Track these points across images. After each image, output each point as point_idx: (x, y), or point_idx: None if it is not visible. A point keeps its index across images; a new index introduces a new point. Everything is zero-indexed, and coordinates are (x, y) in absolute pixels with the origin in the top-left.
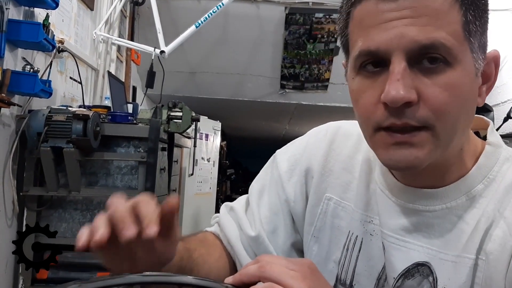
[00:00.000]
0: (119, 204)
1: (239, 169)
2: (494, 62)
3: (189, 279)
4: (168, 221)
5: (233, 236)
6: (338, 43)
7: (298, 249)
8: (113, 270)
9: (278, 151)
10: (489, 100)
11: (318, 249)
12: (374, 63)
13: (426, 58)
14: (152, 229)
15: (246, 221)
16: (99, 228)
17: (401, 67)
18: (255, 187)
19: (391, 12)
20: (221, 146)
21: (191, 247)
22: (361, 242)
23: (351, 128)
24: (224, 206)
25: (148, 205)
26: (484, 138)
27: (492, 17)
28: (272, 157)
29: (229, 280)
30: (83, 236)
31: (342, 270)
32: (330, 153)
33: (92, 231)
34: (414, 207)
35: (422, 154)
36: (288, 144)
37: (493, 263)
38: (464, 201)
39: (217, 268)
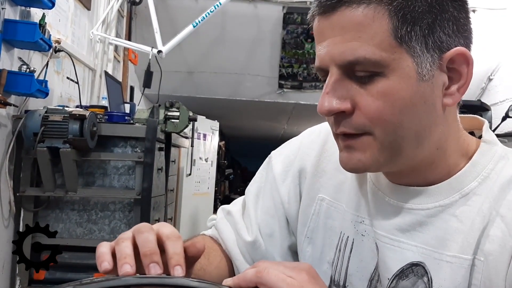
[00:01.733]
0: (147, 234)
1: (237, 169)
2: (463, 58)
3: (186, 281)
4: (192, 261)
5: (230, 241)
6: None
7: (295, 252)
8: None
9: (273, 152)
10: (487, 100)
11: (312, 250)
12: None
13: (357, 73)
14: (178, 271)
15: (243, 226)
16: (126, 259)
17: (330, 81)
18: (251, 190)
19: (327, 29)
20: (219, 146)
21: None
22: (352, 242)
23: None
24: (221, 210)
25: (176, 243)
26: (480, 137)
27: (490, 16)
28: (267, 159)
29: (227, 282)
30: (106, 261)
31: (336, 271)
32: (323, 154)
33: (120, 257)
34: (407, 206)
35: (365, 158)
36: (283, 145)
37: (493, 264)
38: (458, 199)
39: (218, 274)
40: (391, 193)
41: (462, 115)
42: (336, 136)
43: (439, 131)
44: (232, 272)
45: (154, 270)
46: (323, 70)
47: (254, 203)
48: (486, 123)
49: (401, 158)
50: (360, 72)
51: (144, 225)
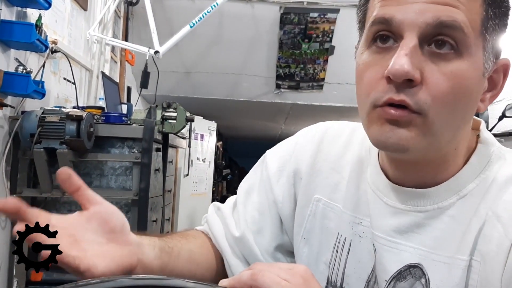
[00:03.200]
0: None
1: (235, 169)
2: (504, 71)
3: (182, 282)
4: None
5: (219, 235)
6: (333, 43)
7: (286, 251)
8: (109, 267)
9: (268, 151)
10: None
11: (309, 251)
12: (385, 37)
13: (438, 41)
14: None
15: (232, 221)
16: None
17: (412, 44)
18: (243, 187)
19: None
20: (216, 146)
21: (162, 237)
22: (350, 243)
23: (340, 128)
24: (212, 206)
25: None
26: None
27: None
28: (262, 157)
29: (223, 283)
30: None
31: (333, 272)
32: (318, 154)
33: None
34: (406, 208)
35: (410, 136)
36: (278, 144)
37: (489, 265)
38: (455, 200)
39: (200, 253)
40: (390, 194)
41: None
42: (375, 107)
43: (463, 130)
44: (219, 266)
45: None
46: (392, 25)
47: (245, 200)
48: (483, 123)
49: (435, 147)
50: (446, 37)
51: None
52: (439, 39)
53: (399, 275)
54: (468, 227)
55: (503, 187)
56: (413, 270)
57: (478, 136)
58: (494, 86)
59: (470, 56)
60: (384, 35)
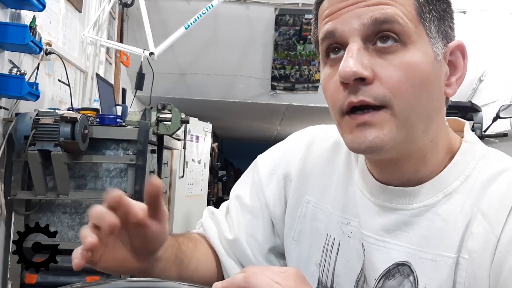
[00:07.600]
0: (97, 207)
1: (231, 170)
2: (460, 51)
3: (176, 285)
4: (155, 201)
5: (214, 237)
6: None
7: (278, 253)
8: (114, 270)
9: (259, 156)
10: (478, 100)
11: (299, 252)
12: (336, 49)
13: (380, 38)
14: (138, 213)
15: (225, 225)
16: (87, 235)
17: (356, 47)
18: (235, 192)
19: (347, 0)
20: (212, 148)
21: (179, 239)
22: (339, 244)
23: (329, 132)
24: (207, 210)
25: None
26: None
27: (481, 17)
28: (253, 162)
29: (217, 285)
30: (77, 255)
31: (323, 272)
32: (308, 156)
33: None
34: (393, 206)
35: (382, 134)
36: (269, 149)
37: (477, 261)
38: (441, 198)
39: (204, 262)
40: (377, 194)
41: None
42: (343, 115)
43: (437, 121)
44: (217, 266)
45: (110, 219)
46: (336, 36)
47: (237, 204)
48: (467, 124)
49: (411, 139)
50: (385, 32)
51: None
52: (381, 35)
53: (388, 273)
54: (455, 225)
55: (486, 184)
56: (401, 268)
57: (462, 137)
58: (455, 68)
59: (414, 44)
60: (334, 47)
